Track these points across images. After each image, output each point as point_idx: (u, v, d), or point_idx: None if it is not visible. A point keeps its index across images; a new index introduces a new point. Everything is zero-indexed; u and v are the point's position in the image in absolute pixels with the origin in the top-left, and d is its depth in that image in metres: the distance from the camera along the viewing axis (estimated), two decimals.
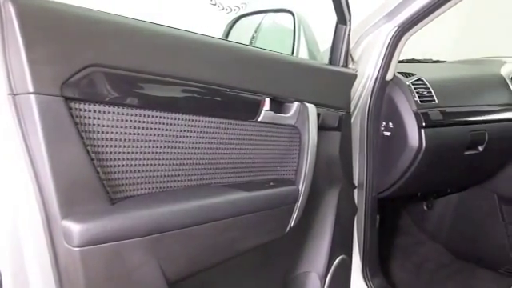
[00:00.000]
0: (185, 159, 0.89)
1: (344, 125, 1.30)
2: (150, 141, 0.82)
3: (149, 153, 0.83)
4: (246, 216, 0.94)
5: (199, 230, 0.85)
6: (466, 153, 1.52)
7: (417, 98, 1.40)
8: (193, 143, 0.89)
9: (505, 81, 1.69)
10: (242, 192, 0.94)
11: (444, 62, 1.94)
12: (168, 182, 0.87)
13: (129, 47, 0.77)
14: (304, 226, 1.25)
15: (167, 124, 0.85)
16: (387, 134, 1.43)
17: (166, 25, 0.85)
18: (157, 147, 0.84)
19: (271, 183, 1.05)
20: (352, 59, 1.39)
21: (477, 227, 1.93)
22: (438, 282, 1.87)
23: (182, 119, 0.87)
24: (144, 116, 0.81)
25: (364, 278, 1.48)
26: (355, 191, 1.44)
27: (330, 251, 1.29)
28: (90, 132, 0.73)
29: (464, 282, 1.85)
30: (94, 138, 0.74)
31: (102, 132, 0.75)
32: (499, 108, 1.62)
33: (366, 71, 1.38)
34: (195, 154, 0.90)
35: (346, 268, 1.40)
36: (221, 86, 0.92)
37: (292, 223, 1.08)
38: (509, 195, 1.80)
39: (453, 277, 1.90)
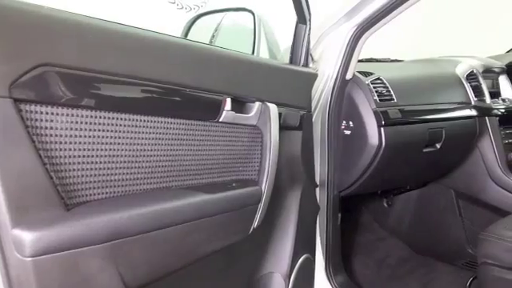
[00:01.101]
0: (144, 162, 0.86)
1: (305, 124, 1.30)
2: (106, 143, 0.79)
3: (106, 156, 0.79)
4: (208, 218, 0.92)
5: (160, 234, 0.82)
6: (425, 150, 1.56)
7: (376, 97, 1.42)
8: (152, 145, 0.87)
9: (460, 80, 1.74)
10: (204, 194, 0.92)
11: (402, 61, 1.97)
12: (127, 185, 0.84)
13: (83, 46, 0.74)
14: (267, 227, 1.25)
15: (125, 125, 0.82)
16: (348, 132, 1.44)
17: (122, 23, 0.82)
18: (114, 150, 0.81)
19: (234, 184, 1.04)
20: (312, 59, 1.39)
21: (435, 222, 1.98)
22: (399, 277, 1.91)
23: (141, 120, 0.84)
24: (100, 117, 0.78)
25: (327, 276, 1.49)
26: (317, 190, 1.45)
27: (293, 251, 1.29)
28: (42, 135, 0.70)
29: (424, 276, 1.90)
30: (47, 142, 0.71)
31: (56, 135, 0.72)
32: (455, 106, 1.66)
33: (327, 70, 1.38)
34: (155, 156, 0.88)
35: (309, 267, 1.41)
36: (180, 86, 0.89)
37: (255, 224, 1.07)
38: (465, 191, 1.85)
39: (413, 271, 1.94)
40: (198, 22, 1.73)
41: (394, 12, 1.29)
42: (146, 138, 0.85)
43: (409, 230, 2.09)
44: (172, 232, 0.85)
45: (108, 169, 0.80)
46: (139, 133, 0.84)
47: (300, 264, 1.33)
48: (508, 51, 2.28)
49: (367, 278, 1.89)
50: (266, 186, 1.07)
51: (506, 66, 2.00)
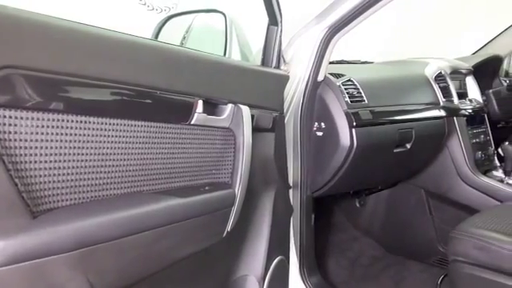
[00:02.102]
0: (114, 166, 0.84)
1: (278, 126, 1.29)
2: (74, 148, 0.77)
3: (74, 160, 0.77)
4: (180, 223, 0.91)
5: (131, 240, 0.80)
6: (395, 150, 1.58)
7: (347, 99, 1.43)
8: (122, 149, 0.85)
9: (429, 81, 1.77)
10: (177, 198, 0.91)
11: (372, 62, 2.00)
12: (96, 191, 0.82)
13: (50, 47, 0.71)
14: (241, 230, 1.24)
15: (93, 129, 0.79)
16: (320, 134, 1.45)
17: (91, 24, 0.80)
18: (82, 154, 0.78)
19: (206, 187, 1.03)
20: (284, 60, 1.39)
21: (406, 221, 2.01)
22: (372, 276, 1.93)
23: (110, 124, 0.82)
24: (67, 121, 0.75)
25: (302, 277, 1.49)
26: (290, 191, 1.45)
27: (267, 253, 1.29)
28: (5, 140, 0.67)
29: (396, 274, 1.92)
30: (11, 147, 0.68)
31: (20, 140, 0.69)
32: (424, 107, 1.69)
33: (298, 72, 1.39)
34: (125, 160, 0.86)
35: (283, 269, 1.40)
36: (150, 88, 0.88)
37: (229, 227, 1.06)
38: (434, 190, 1.88)
39: (386, 270, 1.96)
40: (169, 23, 1.72)
41: (365, 14, 1.30)
42: (115, 142, 0.83)
43: (381, 230, 2.12)
44: (143, 238, 0.83)
45: (76, 174, 0.78)
46: (108, 136, 0.82)
47: (274, 266, 1.33)
48: (474, 53, 2.34)
49: (341, 278, 1.90)
50: (239, 189, 1.06)
51: (473, 67, 2.05)
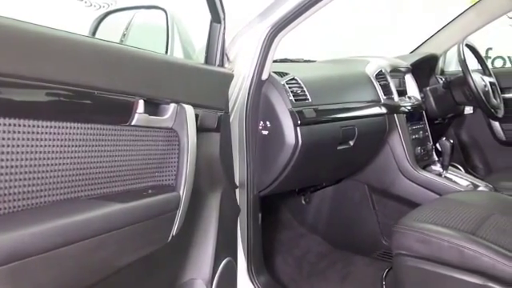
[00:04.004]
0: (48, 171, 0.78)
1: (223, 125, 1.27)
2: (2, 153, 0.71)
3: (2, 167, 0.71)
4: (122, 230, 0.86)
5: (68, 251, 0.75)
6: (339, 148, 1.60)
7: (292, 97, 1.43)
8: (56, 153, 0.79)
9: (370, 79, 1.81)
10: (117, 203, 0.86)
11: (315, 61, 2.02)
12: (28, 198, 0.76)
13: None
14: (187, 233, 1.21)
15: (24, 132, 0.74)
16: (265, 132, 1.44)
17: (23, 20, 0.74)
18: (12, 160, 0.72)
19: (149, 191, 0.99)
20: (228, 58, 1.37)
21: (351, 217, 2.05)
22: (319, 272, 1.95)
23: (43, 126, 0.77)
24: None
25: (250, 277, 1.48)
26: (237, 191, 1.43)
27: (214, 255, 1.27)
28: None
29: (343, 269, 1.95)
30: None
31: None
32: (366, 104, 1.73)
33: (242, 71, 1.37)
34: (60, 164, 0.80)
35: (231, 270, 1.39)
36: (87, 88, 0.83)
37: (174, 231, 1.02)
38: (377, 185, 1.93)
39: (332, 266, 1.99)
40: (108, 20, 1.65)
41: (308, 12, 1.30)
42: (48, 146, 0.78)
43: (326, 226, 2.15)
44: (81, 247, 0.78)
45: (6, 181, 0.72)
46: (41, 140, 0.76)
47: (222, 268, 1.31)
48: (412, 52, 2.43)
49: (289, 276, 1.91)
50: (184, 191, 1.03)
51: (411, 65, 2.12)
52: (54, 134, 0.78)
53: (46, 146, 0.77)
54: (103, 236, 0.82)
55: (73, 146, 0.82)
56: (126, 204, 0.88)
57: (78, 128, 0.83)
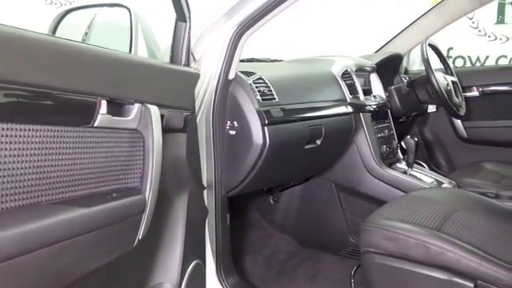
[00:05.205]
0: (5, 176, 0.75)
1: (189, 125, 1.25)
2: None
3: None
4: (85, 235, 0.83)
5: (29, 259, 0.72)
6: (306, 147, 1.60)
7: (259, 97, 1.43)
8: (13, 156, 0.75)
9: (336, 78, 1.82)
10: (80, 208, 0.83)
11: (281, 61, 2.02)
12: None
13: None
14: (154, 236, 1.18)
15: None
16: (233, 132, 1.43)
17: None
18: None
19: (114, 194, 0.96)
20: (194, 58, 1.35)
21: (319, 215, 2.06)
22: (288, 271, 1.96)
23: None
24: None
25: (219, 279, 1.46)
26: (205, 192, 1.42)
27: (182, 258, 1.25)
28: None
29: (311, 268, 1.96)
30: None
31: None
32: (332, 104, 1.74)
33: (209, 70, 1.36)
34: (17, 169, 0.76)
35: (200, 273, 1.37)
36: (47, 88, 0.79)
37: (140, 235, 1.00)
38: (344, 183, 1.95)
39: (301, 264, 2.00)
40: (69, 19, 1.60)
41: (274, 11, 1.30)
42: (5, 149, 0.74)
43: (295, 225, 2.15)
44: (43, 255, 0.75)
45: None
46: None
47: (190, 271, 1.29)
48: (377, 51, 2.46)
49: (258, 276, 1.90)
50: (150, 194, 1.01)
51: (376, 64, 2.15)
52: (11, 136, 0.75)
53: (1, 149, 0.73)
54: (65, 243, 0.79)
55: (31, 149, 0.79)
56: (90, 208, 0.85)
57: (36, 130, 0.79)
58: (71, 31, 1.58)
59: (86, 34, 1.58)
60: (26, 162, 0.78)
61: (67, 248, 0.80)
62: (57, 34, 1.52)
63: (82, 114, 0.89)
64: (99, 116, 0.91)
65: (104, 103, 0.91)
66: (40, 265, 0.75)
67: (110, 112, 0.93)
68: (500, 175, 1.96)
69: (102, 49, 0.97)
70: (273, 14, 1.32)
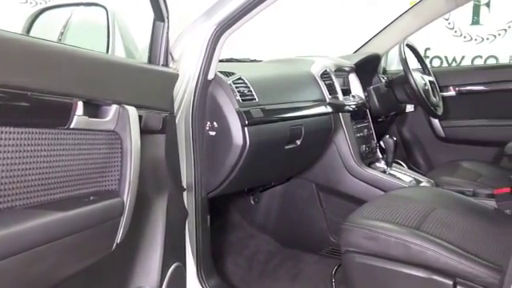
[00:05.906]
0: None
1: (168, 126, 1.24)
2: None
3: None
4: (62, 240, 0.81)
5: (4, 265, 0.70)
6: (287, 147, 1.60)
7: (238, 97, 1.42)
8: None
9: (315, 78, 1.82)
10: (56, 212, 0.81)
11: (261, 61, 2.02)
12: None
13: None
14: (133, 240, 1.16)
15: None
16: (212, 133, 1.42)
17: None
18: None
19: (91, 197, 0.94)
20: (172, 58, 1.33)
21: (300, 215, 2.07)
22: (270, 272, 1.95)
23: None
24: None
25: (200, 281, 1.45)
26: (184, 194, 1.40)
27: (162, 261, 1.23)
28: None
29: (293, 268, 1.96)
30: None
31: None
32: (312, 104, 1.74)
33: (188, 70, 1.34)
34: None
35: (180, 275, 1.35)
36: (20, 89, 0.77)
37: (118, 239, 0.98)
38: (324, 183, 1.95)
39: (282, 264, 2.00)
40: (44, 18, 1.57)
41: (253, 11, 1.30)
42: None
43: (276, 225, 2.15)
44: (18, 260, 0.72)
45: None
46: None
47: (170, 274, 1.27)
48: (355, 51, 2.48)
49: (239, 277, 1.89)
50: (128, 197, 0.99)
51: (355, 65, 2.16)
52: None
53: None
54: (42, 247, 0.77)
55: (5, 151, 0.76)
56: (66, 212, 0.83)
57: (9, 133, 0.77)
58: (46, 31, 1.55)
59: (61, 33, 1.55)
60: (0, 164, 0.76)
61: (43, 253, 0.78)
62: (31, 34, 1.48)
63: (57, 115, 0.86)
64: (75, 117, 0.89)
65: (80, 104, 0.89)
66: (15, 271, 0.73)
67: (86, 113, 0.91)
68: (477, 173, 1.99)
69: (78, 49, 0.95)
70: (252, 14, 1.31)
